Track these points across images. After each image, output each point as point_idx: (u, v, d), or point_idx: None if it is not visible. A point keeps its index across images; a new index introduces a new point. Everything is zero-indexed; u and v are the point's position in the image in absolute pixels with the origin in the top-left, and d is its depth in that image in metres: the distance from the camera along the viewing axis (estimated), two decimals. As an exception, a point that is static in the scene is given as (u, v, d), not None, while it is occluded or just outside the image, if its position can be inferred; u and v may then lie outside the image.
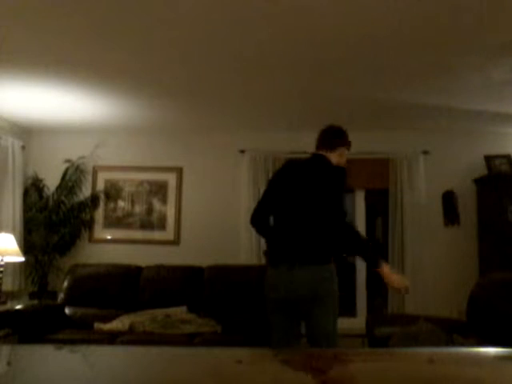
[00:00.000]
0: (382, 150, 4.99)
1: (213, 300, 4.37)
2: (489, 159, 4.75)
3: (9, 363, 1.24)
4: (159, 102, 4.31)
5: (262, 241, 4.35)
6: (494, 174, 4.67)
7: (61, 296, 4.54)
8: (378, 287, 5.83)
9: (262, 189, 4.91)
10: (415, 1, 2.56)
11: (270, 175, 4.92)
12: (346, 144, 2.79)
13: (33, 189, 5.03)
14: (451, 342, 2.75)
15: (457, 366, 1.22)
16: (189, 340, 3.78)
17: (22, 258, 4.37)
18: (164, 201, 5.16)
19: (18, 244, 4.35)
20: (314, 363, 1.33)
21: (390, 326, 3.31)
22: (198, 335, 3.88)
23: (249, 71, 3.62)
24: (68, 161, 5.08)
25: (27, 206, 4.92)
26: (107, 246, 5.09)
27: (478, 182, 4.82)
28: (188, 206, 5.11)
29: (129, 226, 5.13)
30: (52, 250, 4.86)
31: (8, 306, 4.05)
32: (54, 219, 4.89)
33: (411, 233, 4.85)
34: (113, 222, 5.14)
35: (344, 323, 5.04)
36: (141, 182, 5.18)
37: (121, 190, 5.18)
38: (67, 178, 5.05)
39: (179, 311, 4.20)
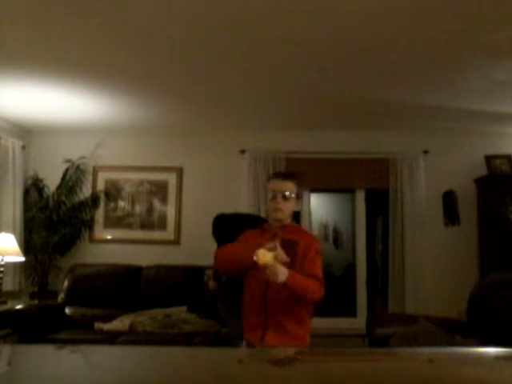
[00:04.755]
0: (382, 149, 4.99)
1: (213, 300, 4.36)
2: (489, 159, 4.75)
3: (9, 363, 1.24)
4: (159, 101, 4.31)
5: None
6: (494, 174, 4.67)
7: (61, 296, 4.54)
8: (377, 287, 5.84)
9: (262, 189, 4.96)
10: (416, 1, 2.56)
11: (271, 175, 4.95)
12: None
13: (33, 189, 5.03)
14: (451, 342, 2.75)
15: (457, 366, 1.22)
16: (189, 340, 3.78)
17: (22, 258, 4.37)
18: (164, 201, 5.16)
19: (18, 244, 4.35)
20: None
21: (390, 326, 3.31)
22: (197, 335, 3.88)
23: (249, 71, 3.61)
24: (68, 161, 5.08)
25: (27, 206, 4.92)
26: (107, 246, 5.08)
27: (478, 181, 4.82)
28: (188, 205, 5.11)
29: (129, 226, 5.12)
30: (52, 249, 4.86)
31: (8, 305, 4.05)
32: (54, 219, 4.89)
33: (411, 233, 4.84)
34: (113, 222, 5.14)
35: (344, 323, 5.08)
36: (141, 182, 5.17)
37: (121, 189, 5.18)
38: (67, 177, 5.05)
39: (179, 311, 4.21)
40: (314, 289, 2.15)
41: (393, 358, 1.34)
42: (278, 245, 2.06)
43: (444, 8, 2.61)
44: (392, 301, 4.82)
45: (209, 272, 4.04)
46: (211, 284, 3.94)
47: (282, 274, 2.00)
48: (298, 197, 2.35)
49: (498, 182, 4.63)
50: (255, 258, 1.97)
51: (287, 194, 2.23)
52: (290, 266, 2.08)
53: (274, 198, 2.23)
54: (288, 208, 2.26)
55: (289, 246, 2.14)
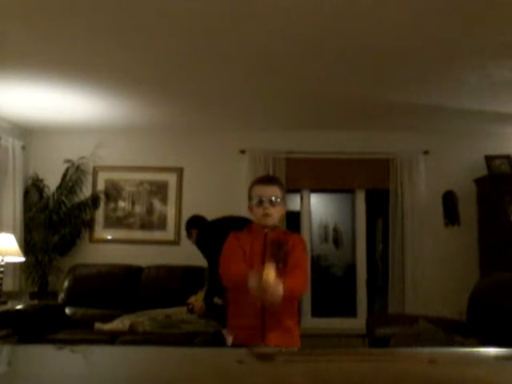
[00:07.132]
0: (382, 150, 4.99)
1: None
2: (489, 159, 4.75)
3: (9, 363, 1.24)
4: (159, 101, 4.31)
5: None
6: (494, 174, 4.67)
7: (61, 296, 4.54)
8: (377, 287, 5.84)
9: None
10: (416, 2, 2.56)
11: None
12: None
13: (33, 189, 5.03)
14: (451, 342, 2.75)
15: (457, 366, 1.22)
16: (189, 340, 3.78)
17: (22, 258, 4.37)
18: (164, 201, 5.16)
19: (18, 244, 4.34)
20: None
21: (390, 326, 3.31)
22: (197, 335, 3.88)
23: (249, 71, 3.61)
24: (68, 161, 5.08)
25: (27, 206, 4.92)
26: (107, 246, 5.08)
27: (478, 181, 4.82)
28: (188, 205, 5.10)
29: (129, 226, 5.12)
30: (52, 250, 4.85)
31: (8, 305, 4.04)
32: (54, 219, 4.89)
33: (411, 233, 4.84)
34: (113, 222, 5.14)
35: (344, 323, 5.08)
36: (141, 182, 5.18)
37: (121, 190, 5.18)
38: (67, 178, 5.05)
39: (179, 311, 4.20)
40: (300, 284, 2.19)
41: (393, 358, 1.34)
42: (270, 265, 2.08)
43: (444, 8, 2.61)
44: (392, 301, 4.82)
45: (198, 296, 4.01)
46: (199, 308, 3.92)
47: (280, 290, 2.01)
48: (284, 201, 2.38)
49: (498, 182, 4.63)
50: (265, 277, 1.98)
51: (274, 199, 2.23)
52: (277, 263, 2.12)
53: (261, 203, 2.23)
54: (276, 213, 2.26)
55: (278, 245, 2.18)
